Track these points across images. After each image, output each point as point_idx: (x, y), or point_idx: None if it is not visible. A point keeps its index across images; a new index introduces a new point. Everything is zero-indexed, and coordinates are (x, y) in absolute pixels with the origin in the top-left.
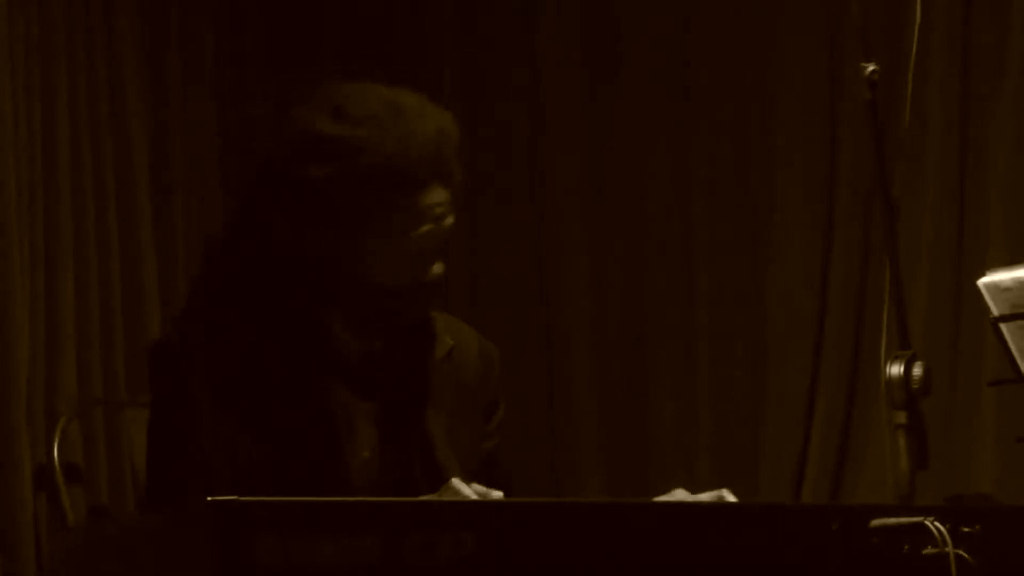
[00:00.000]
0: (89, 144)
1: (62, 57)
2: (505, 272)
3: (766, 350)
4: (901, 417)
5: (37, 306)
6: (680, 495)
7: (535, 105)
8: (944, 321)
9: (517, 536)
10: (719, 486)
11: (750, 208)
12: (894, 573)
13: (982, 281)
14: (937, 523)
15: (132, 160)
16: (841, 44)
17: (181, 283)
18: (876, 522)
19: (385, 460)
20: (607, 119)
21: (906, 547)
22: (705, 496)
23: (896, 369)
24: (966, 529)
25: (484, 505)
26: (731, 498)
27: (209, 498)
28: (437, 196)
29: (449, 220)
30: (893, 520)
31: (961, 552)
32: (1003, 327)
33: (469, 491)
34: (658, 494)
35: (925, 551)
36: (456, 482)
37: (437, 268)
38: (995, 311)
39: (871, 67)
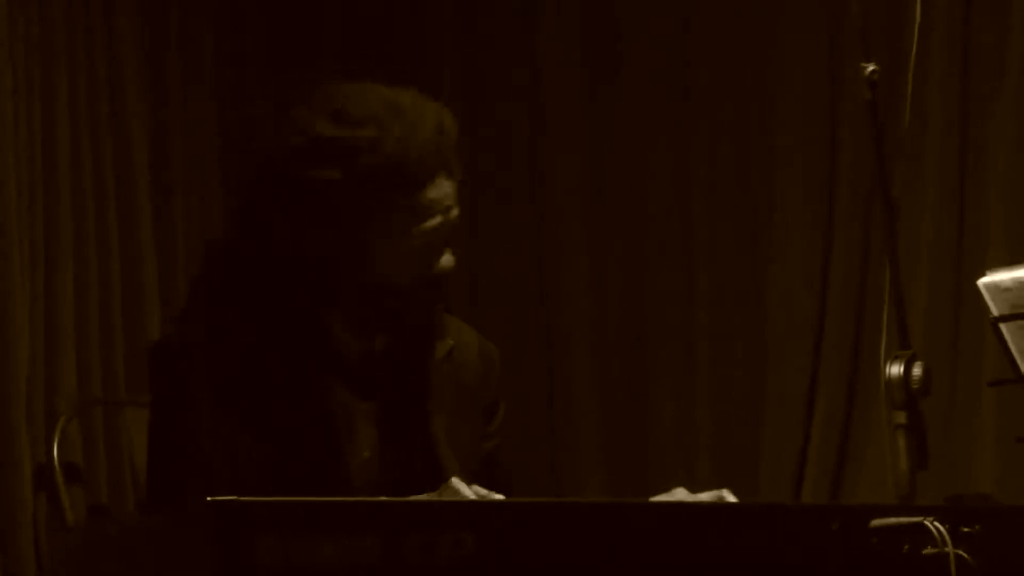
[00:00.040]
0: (89, 144)
1: (62, 57)
2: (505, 272)
3: (766, 350)
4: (901, 417)
5: (37, 306)
6: (680, 494)
7: (535, 105)
8: (944, 321)
9: (517, 536)
10: (719, 486)
11: (750, 208)
12: (894, 573)
13: (982, 281)
14: (937, 523)
15: (132, 160)
16: (841, 44)
17: (181, 283)
18: (876, 522)
19: (385, 460)
20: (607, 119)
21: (906, 547)
22: (705, 496)
23: (896, 369)
24: (966, 529)
25: (484, 505)
26: (731, 498)
27: (209, 498)
28: (442, 189)
29: (455, 212)
30: (893, 520)
31: (961, 552)
32: (1003, 327)
33: (468, 491)
34: (658, 494)
35: (925, 551)
36: (456, 481)
37: (446, 260)
38: (995, 311)
39: (871, 67)
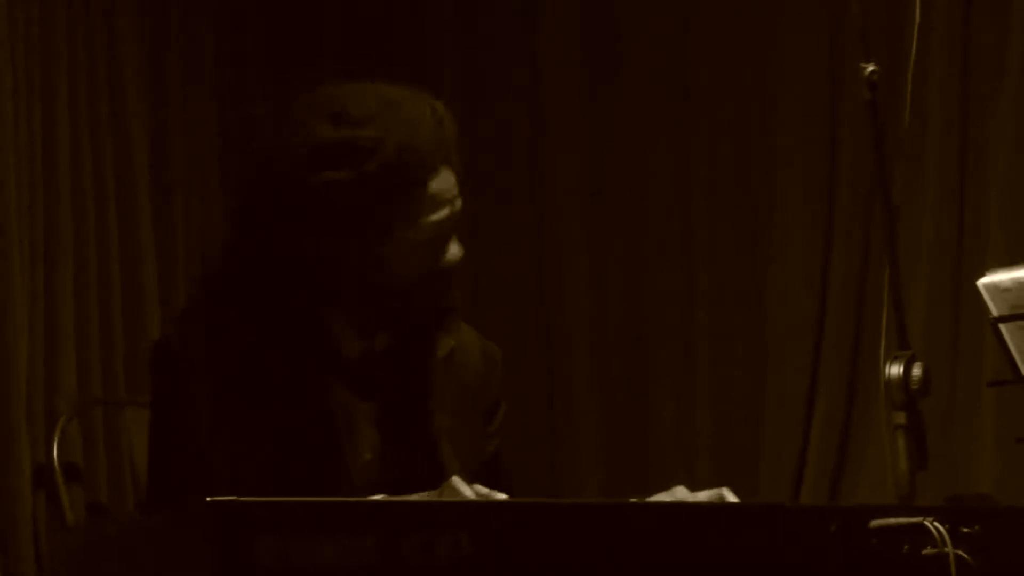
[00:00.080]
0: (89, 144)
1: (62, 57)
2: (505, 272)
3: (766, 350)
4: (900, 417)
5: (37, 306)
6: (680, 492)
7: (535, 105)
8: (944, 321)
9: (516, 536)
10: (719, 486)
11: (750, 208)
12: (894, 573)
13: (982, 281)
14: (936, 523)
15: (132, 160)
16: (841, 44)
17: (181, 283)
18: (876, 522)
19: (386, 460)
20: (607, 119)
21: (906, 547)
22: (705, 494)
23: (895, 369)
24: (965, 529)
25: (484, 505)
26: (731, 497)
27: (209, 498)
28: (446, 181)
29: (459, 202)
30: (893, 520)
31: (961, 552)
32: (1003, 328)
33: (469, 490)
34: (658, 493)
35: (925, 551)
36: (456, 480)
37: (454, 251)
38: (995, 312)
39: (871, 67)
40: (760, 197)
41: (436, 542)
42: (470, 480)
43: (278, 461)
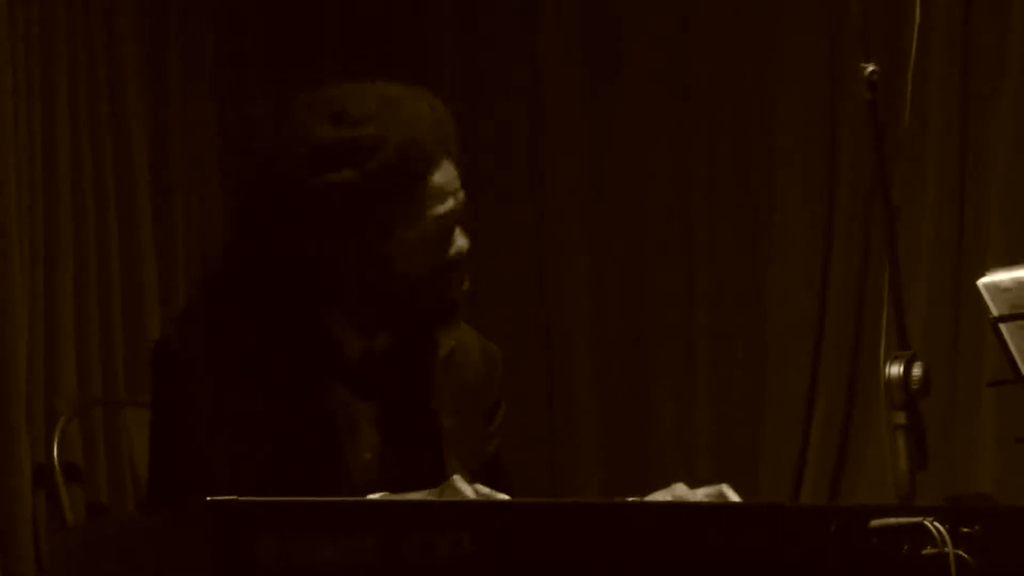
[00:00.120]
0: (89, 144)
1: (62, 57)
2: (505, 272)
3: (766, 350)
4: (900, 417)
5: (37, 306)
6: (680, 489)
7: (535, 105)
8: (944, 321)
9: (516, 536)
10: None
11: (750, 208)
12: (894, 573)
13: (982, 281)
14: (936, 523)
15: (132, 160)
16: (841, 44)
17: (181, 283)
18: (876, 522)
19: (386, 461)
20: (607, 119)
21: (906, 547)
22: (704, 491)
23: (895, 369)
24: (965, 529)
25: (484, 505)
26: (730, 493)
27: (209, 498)
28: (448, 172)
29: (462, 193)
30: (893, 520)
31: (961, 552)
32: (1003, 327)
33: (469, 490)
34: (657, 490)
35: (925, 551)
36: (457, 479)
37: (461, 241)
38: (995, 311)
39: (871, 67)
40: (760, 197)
41: (436, 542)
42: (471, 480)
43: (278, 461)
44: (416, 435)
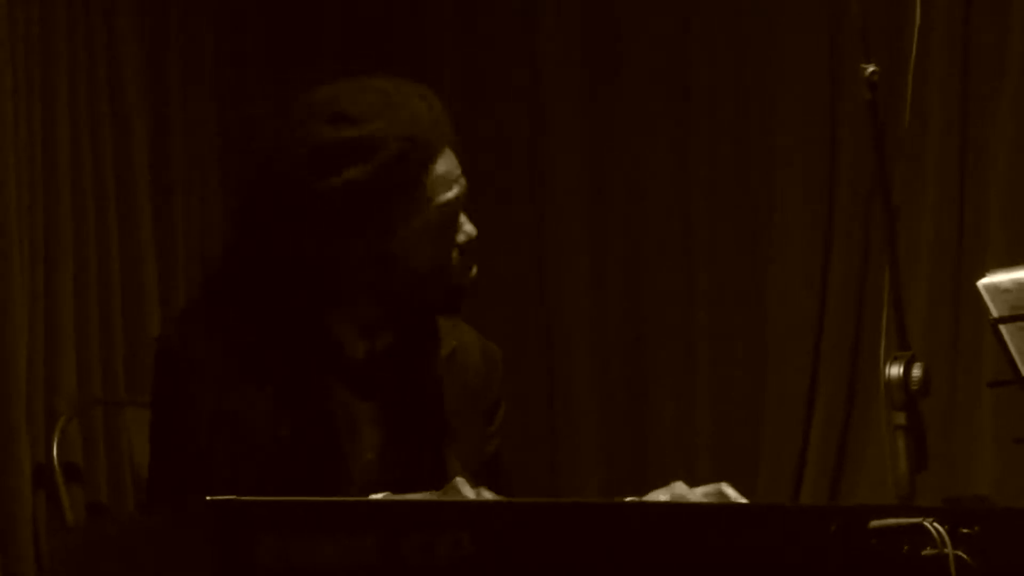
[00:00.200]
0: (89, 144)
1: (62, 57)
2: (505, 272)
3: (766, 350)
4: (900, 418)
5: (37, 306)
6: (679, 488)
7: (535, 105)
8: (943, 322)
9: (516, 536)
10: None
11: (750, 208)
12: (893, 574)
13: (981, 282)
14: (936, 524)
15: (132, 160)
16: (841, 44)
17: (181, 283)
18: (875, 523)
19: (387, 461)
20: (607, 119)
21: (905, 548)
22: (704, 489)
23: (895, 370)
24: (965, 530)
25: (483, 505)
26: (730, 491)
27: (209, 498)
28: (449, 161)
29: (464, 180)
30: (892, 521)
31: (960, 553)
32: (1002, 328)
33: (472, 493)
34: (657, 488)
35: (924, 552)
36: (460, 481)
37: (469, 228)
38: (994, 312)
39: (871, 68)
40: (760, 197)
41: (436, 542)
42: (471, 481)
43: (278, 461)
44: (417, 435)
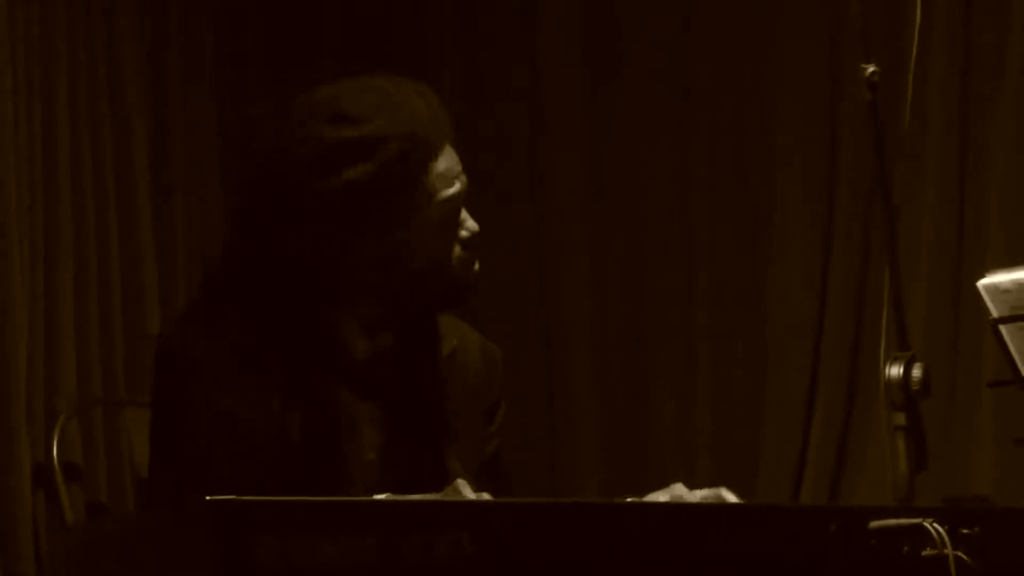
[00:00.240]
0: (89, 144)
1: (62, 57)
2: (505, 272)
3: (766, 350)
4: (900, 418)
5: (37, 306)
6: (679, 489)
7: (535, 105)
8: (943, 322)
9: (516, 536)
10: (719, 486)
11: (750, 208)
12: (893, 574)
13: (981, 283)
14: (936, 524)
15: (132, 160)
16: (841, 44)
17: (181, 283)
18: (875, 523)
19: (388, 461)
20: (607, 119)
21: (905, 548)
22: (703, 493)
23: (895, 370)
24: (965, 531)
25: (483, 505)
26: (729, 496)
27: (209, 498)
28: (450, 157)
29: (464, 176)
30: (892, 521)
31: (960, 554)
32: (1002, 329)
33: (472, 494)
34: (656, 489)
35: (924, 552)
36: (461, 483)
37: (471, 223)
38: (994, 313)
39: (871, 68)
40: (760, 197)
41: (436, 542)
42: (471, 481)
43: (279, 461)
44: (417, 435)
